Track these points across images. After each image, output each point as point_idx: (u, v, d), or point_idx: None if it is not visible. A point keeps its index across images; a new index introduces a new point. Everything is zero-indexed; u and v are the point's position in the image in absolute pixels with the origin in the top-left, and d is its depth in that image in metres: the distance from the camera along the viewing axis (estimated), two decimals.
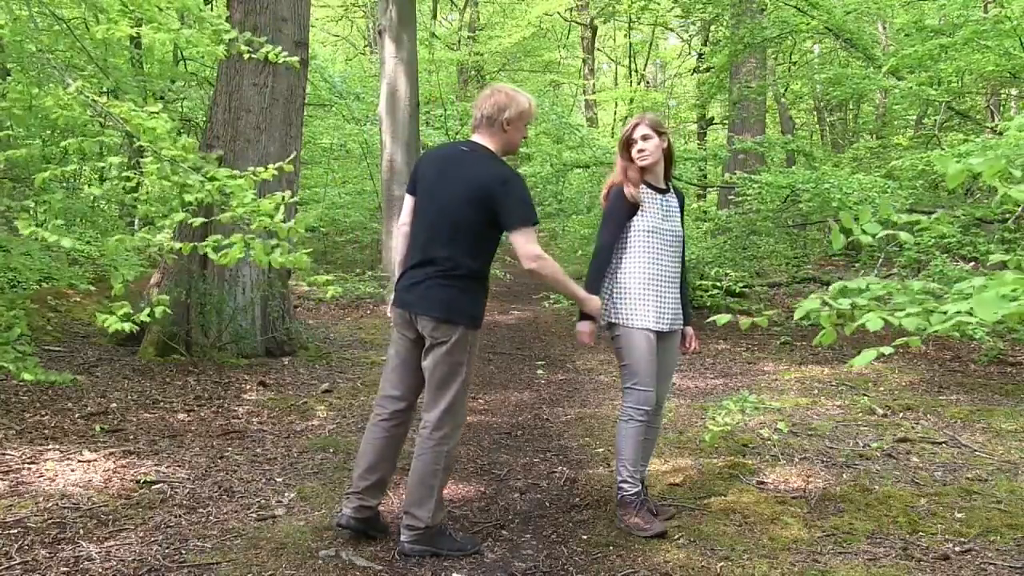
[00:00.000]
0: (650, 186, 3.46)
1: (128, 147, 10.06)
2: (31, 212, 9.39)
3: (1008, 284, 1.62)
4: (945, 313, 1.75)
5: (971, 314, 1.68)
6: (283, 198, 4.04)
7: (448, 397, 3.08)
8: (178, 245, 4.07)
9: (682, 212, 3.55)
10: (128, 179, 4.50)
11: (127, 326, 3.75)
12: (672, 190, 3.55)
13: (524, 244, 2.99)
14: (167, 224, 4.07)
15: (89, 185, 12.86)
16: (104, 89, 8.27)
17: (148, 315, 3.83)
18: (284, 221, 4.02)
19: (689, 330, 3.56)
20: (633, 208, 3.40)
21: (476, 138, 3.20)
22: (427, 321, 3.09)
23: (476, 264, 3.08)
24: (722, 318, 2.27)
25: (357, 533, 3.23)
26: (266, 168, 3.89)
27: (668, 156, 3.48)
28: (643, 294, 3.38)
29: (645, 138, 3.40)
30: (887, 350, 1.89)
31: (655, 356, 3.39)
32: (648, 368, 3.37)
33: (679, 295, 3.50)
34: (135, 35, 4.26)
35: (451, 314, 3.05)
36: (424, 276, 3.10)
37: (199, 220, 4.13)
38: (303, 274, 3.93)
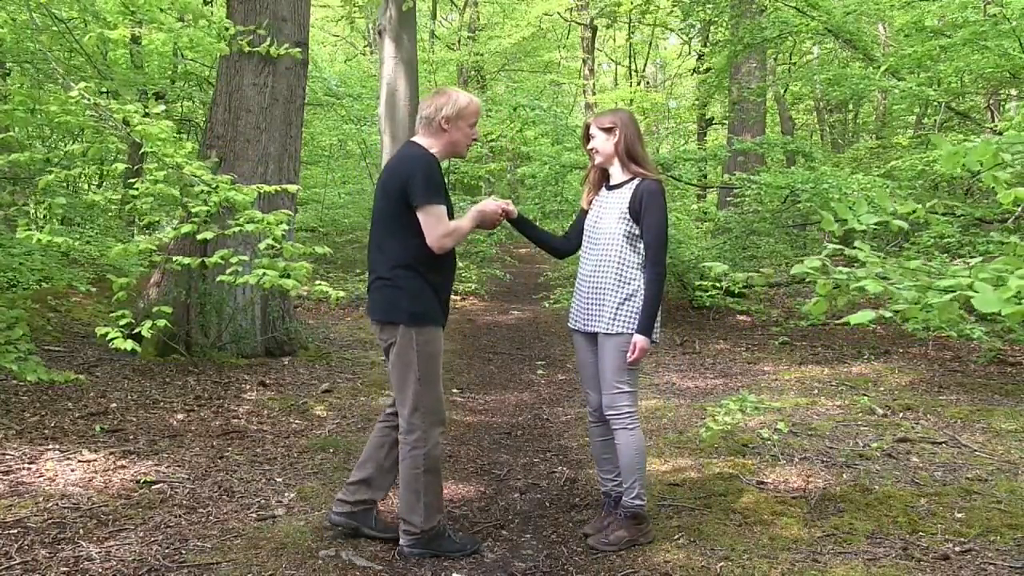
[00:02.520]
0: (607, 185, 3.39)
1: (132, 152, 10.08)
2: (31, 214, 9.42)
3: (1015, 285, 1.61)
4: (942, 290, 1.74)
5: (969, 291, 1.68)
6: (286, 216, 4.10)
7: (410, 398, 3.04)
8: (187, 260, 4.12)
9: (636, 211, 3.20)
10: (129, 186, 4.56)
11: (130, 344, 3.80)
12: (632, 183, 3.27)
13: (427, 228, 2.96)
14: (170, 234, 4.11)
15: (88, 187, 12.89)
16: (103, 91, 8.28)
17: (150, 328, 3.87)
18: (284, 238, 4.09)
19: (634, 338, 3.16)
20: (583, 213, 3.46)
21: (414, 139, 3.20)
22: (374, 326, 3.14)
23: (408, 258, 3.01)
24: (718, 267, 2.27)
25: (347, 530, 3.23)
26: (268, 184, 3.95)
27: (620, 149, 3.29)
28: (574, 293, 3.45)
29: (591, 138, 3.35)
30: (887, 313, 1.89)
31: (582, 355, 3.40)
32: (578, 366, 3.47)
33: (594, 295, 3.26)
34: (134, 36, 4.30)
35: (389, 315, 3.04)
36: (371, 281, 3.15)
37: (207, 234, 4.18)
38: (298, 284, 3.96)
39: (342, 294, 3.98)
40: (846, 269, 2.03)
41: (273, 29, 6.60)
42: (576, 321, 3.38)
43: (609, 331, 3.21)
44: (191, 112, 13.24)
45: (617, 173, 3.34)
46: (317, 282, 4.01)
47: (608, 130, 3.30)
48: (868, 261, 2.05)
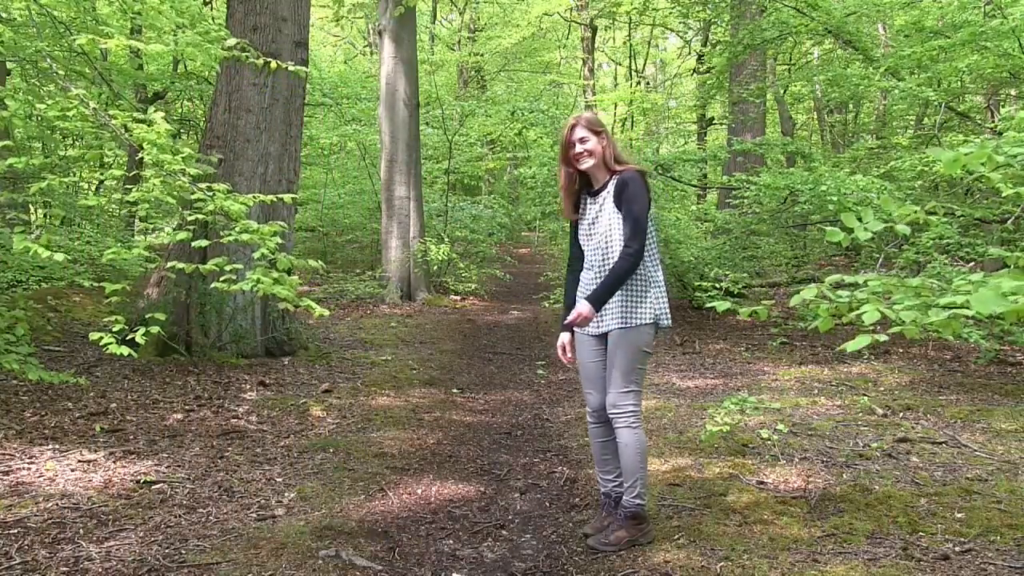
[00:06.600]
0: (588, 192, 3.32)
1: (131, 156, 10.12)
2: (31, 216, 9.44)
3: (1008, 282, 1.63)
4: (942, 307, 1.76)
5: (967, 307, 1.69)
6: (281, 228, 4.12)
7: None
8: (180, 265, 4.13)
9: (619, 200, 3.18)
10: (127, 191, 4.58)
11: (124, 350, 3.79)
12: (613, 178, 3.24)
13: None
14: (170, 236, 4.12)
15: (87, 189, 12.91)
16: (102, 94, 8.28)
17: (143, 335, 3.88)
18: (283, 248, 4.10)
19: (578, 305, 3.17)
20: (575, 223, 3.40)
21: None
22: None
23: None
24: (722, 304, 2.27)
25: None
26: (269, 184, 3.95)
27: (609, 154, 3.24)
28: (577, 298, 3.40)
29: (582, 140, 3.22)
30: (882, 337, 1.90)
31: (585, 356, 3.36)
32: (580, 369, 3.41)
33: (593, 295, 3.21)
34: (132, 46, 4.30)
35: None
36: None
37: (202, 242, 4.19)
38: (291, 300, 3.97)
39: (326, 312, 4.00)
40: (846, 293, 2.04)
41: (273, 29, 6.61)
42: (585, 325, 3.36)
43: (626, 325, 3.18)
44: (191, 112, 13.26)
45: (601, 176, 3.28)
46: (304, 299, 4.02)
47: (599, 133, 3.25)
48: (869, 282, 2.06)
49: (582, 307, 3.13)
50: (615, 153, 3.26)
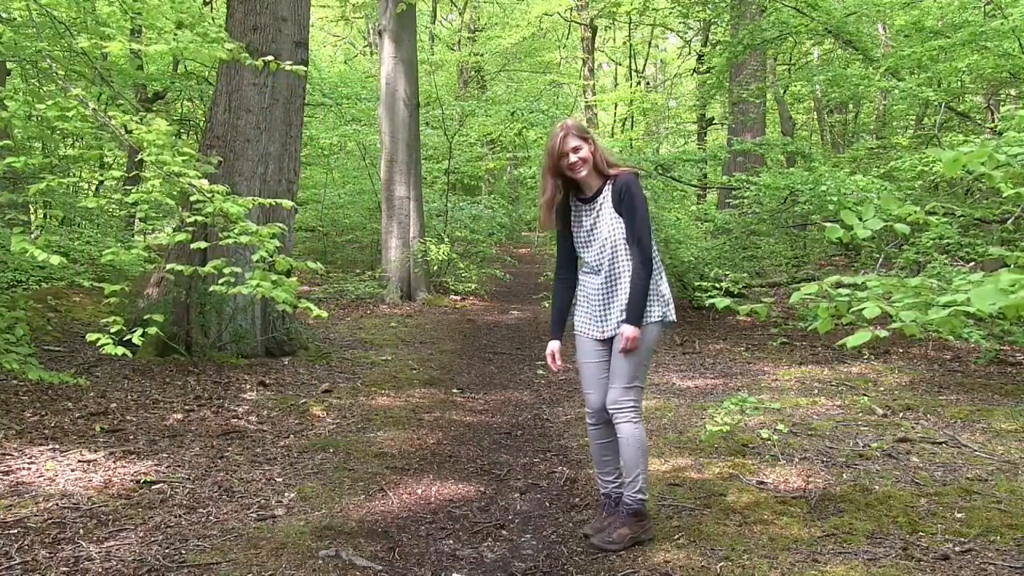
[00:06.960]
0: (579, 199, 3.31)
1: (131, 157, 10.13)
2: (31, 217, 9.43)
3: (1007, 276, 1.64)
4: (942, 306, 1.76)
5: (967, 305, 1.70)
6: (280, 230, 4.13)
7: None
8: (179, 267, 4.15)
9: (620, 204, 3.18)
10: (127, 192, 4.57)
11: (120, 350, 3.80)
12: (609, 183, 3.23)
13: None
14: (170, 237, 4.12)
15: (87, 189, 12.91)
16: (101, 94, 8.27)
17: (141, 336, 3.89)
18: (282, 249, 4.11)
19: (624, 329, 3.15)
20: (563, 235, 3.36)
21: None
22: None
23: None
24: (721, 301, 2.28)
25: None
26: (269, 184, 3.96)
27: (600, 157, 3.22)
28: (578, 302, 3.39)
29: (575, 149, 3.17)
30: (882, 333, 1.91)
31: (587, 356, 3.34)
32: (582, 370, 3.39)
33: (610, 301, 3.23)
34: (132, 48, 4.30)
35: None
36: None
37: (201, 243, 4.20)
38: (290, 303, 3.98)
39: (324, 315, 4.00)
40: (846, 291, 2.05)
41: (273, 29, 6.61)
42: (591, 329, 3.32)
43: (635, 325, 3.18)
44: (191, 112, 13.27)
45: (594, 182, 3.25)
46: (303, 300, 4.03)
47: (587, 139, 3.22)
48: (869, 283, 2.07)
49: (627, 331, 3.12)
50: (605, 157, 3.25)
